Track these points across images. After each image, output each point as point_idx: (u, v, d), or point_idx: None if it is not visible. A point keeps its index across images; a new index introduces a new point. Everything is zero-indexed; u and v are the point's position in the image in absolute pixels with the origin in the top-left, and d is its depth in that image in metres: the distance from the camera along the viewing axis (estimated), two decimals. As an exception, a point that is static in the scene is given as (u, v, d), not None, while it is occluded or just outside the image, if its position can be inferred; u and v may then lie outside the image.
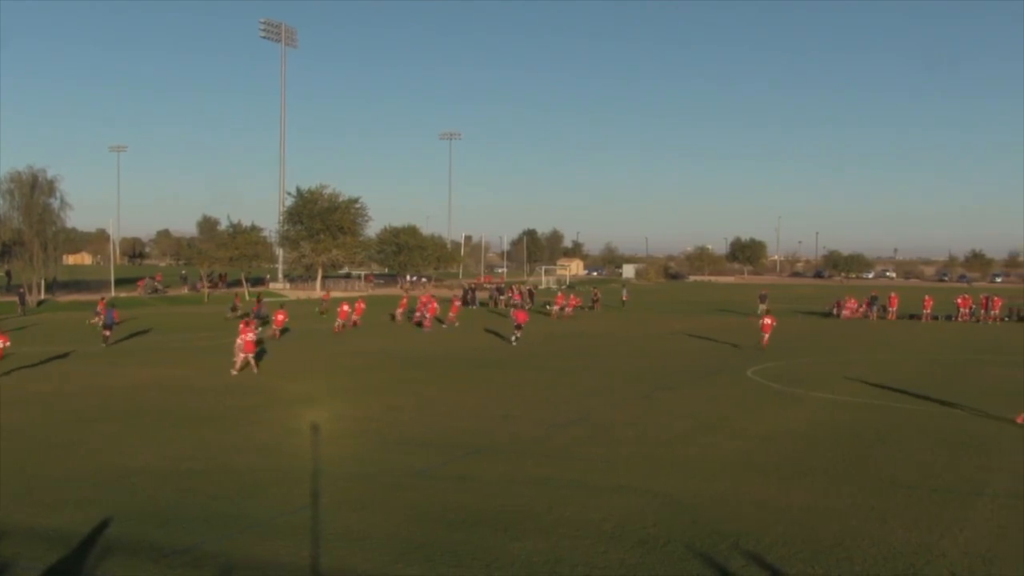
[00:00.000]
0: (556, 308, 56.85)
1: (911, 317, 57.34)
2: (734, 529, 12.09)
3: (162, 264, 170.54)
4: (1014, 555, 11.13)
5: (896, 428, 19.98)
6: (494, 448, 17.58)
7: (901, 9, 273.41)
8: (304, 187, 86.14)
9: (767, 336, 38.64)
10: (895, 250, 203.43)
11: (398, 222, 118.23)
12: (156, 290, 75.62)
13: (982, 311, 56.93)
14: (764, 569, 10.60)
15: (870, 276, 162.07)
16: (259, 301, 53.02)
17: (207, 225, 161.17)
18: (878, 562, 10.86)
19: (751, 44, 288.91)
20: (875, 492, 14.28)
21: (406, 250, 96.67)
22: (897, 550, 11.32)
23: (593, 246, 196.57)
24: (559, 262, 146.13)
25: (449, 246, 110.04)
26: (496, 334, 43.50)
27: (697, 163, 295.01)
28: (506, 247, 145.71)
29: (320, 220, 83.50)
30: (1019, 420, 20.88)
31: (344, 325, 45.34)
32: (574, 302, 58.63)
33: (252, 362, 28.63)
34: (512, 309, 45.01)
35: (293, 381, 26.98)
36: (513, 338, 39.32)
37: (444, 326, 47.48)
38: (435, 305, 49.27)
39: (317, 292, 75.76)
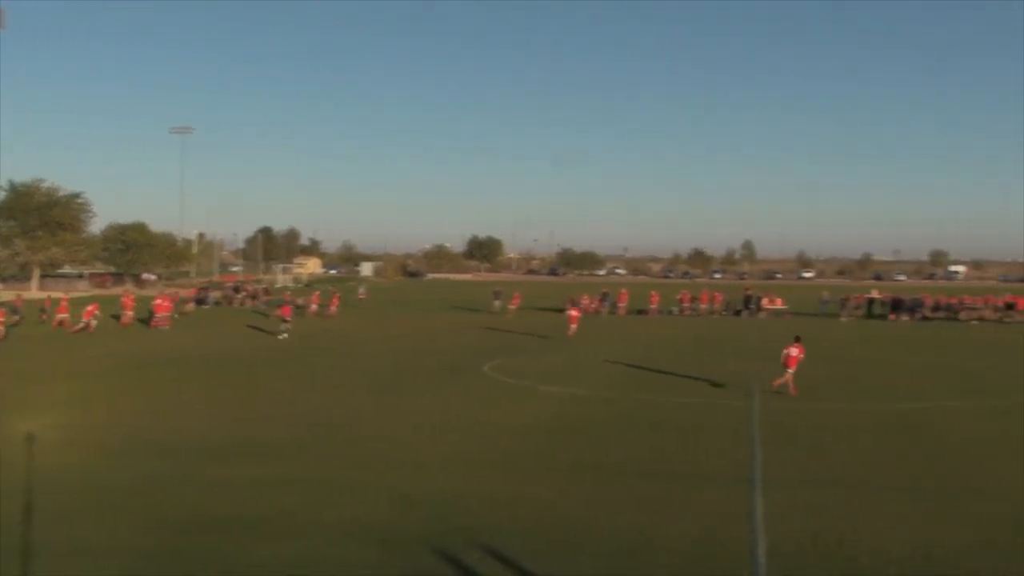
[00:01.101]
0: (314, 307, 56.47)
1: (639, 312, 60.37)
2: (471, 524, 12.22)
3: None
4: (734, 537, 11.86)
5: (627, 419, 20.93)
6: (231, 451, 17.05)
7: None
8: (18, 180, 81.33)
9: (574, 327, 41.95)
10: (625, 248, 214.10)
11: (126, 219, 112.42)
12: None
13: (702, 305, 60.98)
14: (500, 563, 10.75)
15: (602, 273, 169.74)
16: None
17: None
18: (609, 549, 11.27)
19: (460, 40, 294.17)
20: (606, 481, 14.87)
21: (134, 248, 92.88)
22: (625, 535, 11.80)
23: (331, 244, 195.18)
24: (296, 260, 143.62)
25: (180, 244, 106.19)
26: (258, 330, 42.08)
27: (434, 161, 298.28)
28: (241, 245, 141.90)
29: (37, 216, 78.82)
30: (774, 384, 24.56)
31: (84, 327, 42.51)
32: (316, 301, 57.90)
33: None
34: (280, 306, 45.46)
35: (20, 388, 24.93)
36: (281, 335, 40.76)
37: (162, 328, 45.35)
38: (170, 304, 48.19)
39: (34, 292, 70.49)
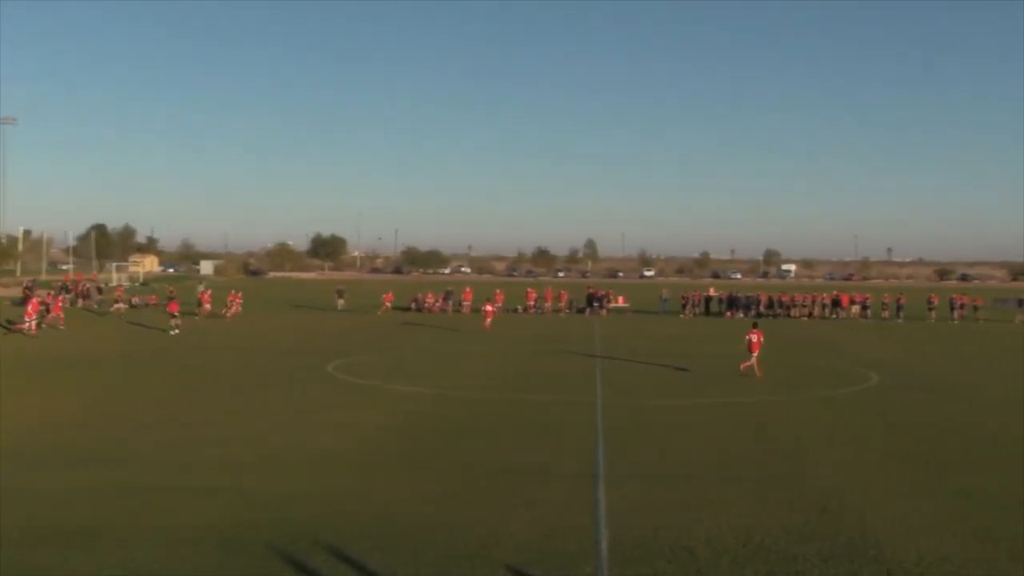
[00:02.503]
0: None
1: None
2: (315, 525, 12.11)
3: None
4: (577, 530, 12.13)
5: (475, 417, 21.11)
6: (61, 457, 16.34)
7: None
8: None
9: (488, 320, 46.90)
10: (470, 247, 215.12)
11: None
12: None
13: (547, 304, 61.90)
14: (344, 562, 10.71)
15: (446, 272, 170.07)
16: None
17: None
18: (455, 546, 11.38)
19: (299, 39, 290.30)
20: (455, 478, 14.97)
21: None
22: (473, 531, 11.92)
23: (169, 242, 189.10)
24: (132, 258, 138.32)
25: (4, 241, 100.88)
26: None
27: (277, 159, 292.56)
28: (72, 242, 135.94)
29: None
30: (742, 368, 28.29)
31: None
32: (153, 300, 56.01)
33: None
34: (170, 301, 46.74)
35: None
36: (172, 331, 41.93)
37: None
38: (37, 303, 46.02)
39: None
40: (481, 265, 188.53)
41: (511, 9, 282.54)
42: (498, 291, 62.11)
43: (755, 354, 28.64)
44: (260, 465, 15.82)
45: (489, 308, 48.89)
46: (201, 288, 61.48)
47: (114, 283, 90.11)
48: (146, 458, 16.34)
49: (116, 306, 54.60)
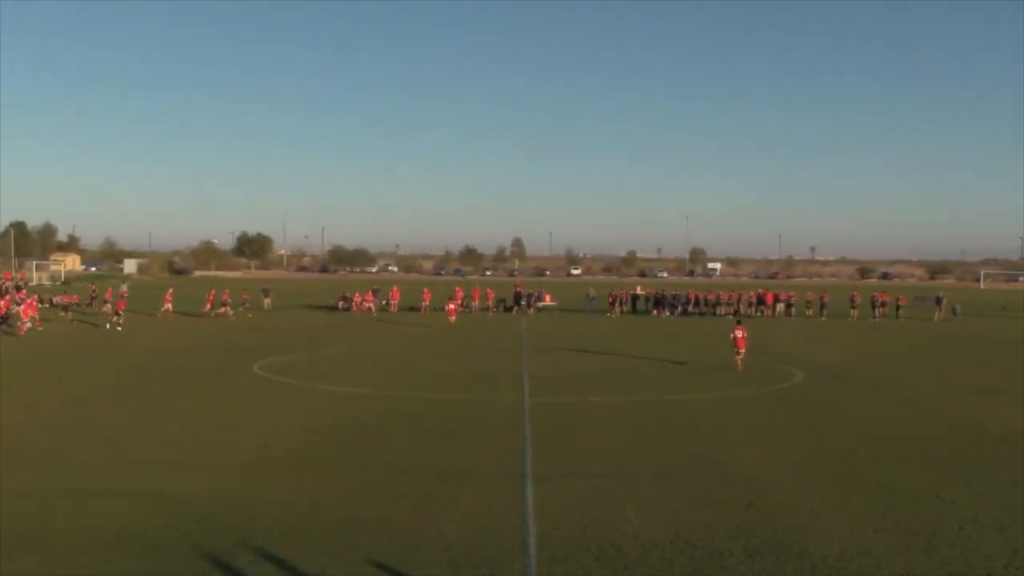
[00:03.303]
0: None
1: (411, 309, 60.60)
2: (241, 526, 12.01)
3: None
4: (503, 527, 12.19)
5: (403, 417, 21.05)
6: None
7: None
8: None
9: (453, 318, 49.91)
10: (397, 245, 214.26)
11: None
12: None
13: (474, 302, 61.92)
14: (271, 563, 10.64)
15: (373, 270, 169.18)
16: None
17: None
18: (383, 546, 11.34)
19: (217, 29, 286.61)
20: (383, 478, 14.94)
21: None
22: (401, 531, 11.92)
23: (91, 241, 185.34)
24: (52, 257, 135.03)
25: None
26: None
27: (201, 156, 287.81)
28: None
29: None
30: (739, 366, 29.90)
31: None
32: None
33: None
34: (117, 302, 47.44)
35: None
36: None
37: None
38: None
39: None
40: (409, 264, 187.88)
41: (433, 7, 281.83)
42: (458, 288, 62.35)
43: (743, 350, 30.38)
44: (184, 467, 15.60)
45: (452, 306, 52.51)
46: (123, 287, 60.20)
47: (34, 282, 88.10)
48: (67, 460, 16.00)
49: (61, 315, 52.56)
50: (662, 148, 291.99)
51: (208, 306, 54.16)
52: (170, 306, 53.17)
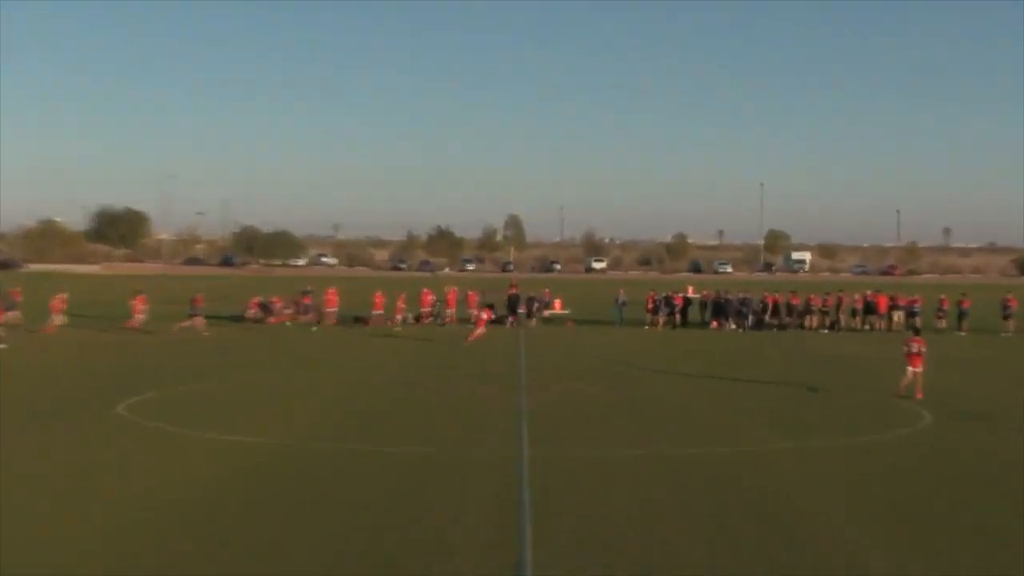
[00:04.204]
0: None
1: (357, 320, 60.22)
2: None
3: None
4: None
5: (326, 480, 20.80)
6: None
7: None
8: None
9: (481, 331, 50.65)
10: (336, 227, 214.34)
11: None
12: None
13: (449, 309, 61.65)
14: None
15: (301, 263, 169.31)
16: None
17: None
18: None
19: None
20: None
21: None
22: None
23: None
24: None
25: None
26: None
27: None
28: None
29: None
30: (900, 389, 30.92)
31: None
32: None
33: None
34: None
35: None
36: None
37: None
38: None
39: None
40: (354, 254, 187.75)
41: None
42: (471, 292, 62.28)
43: (919, 370, 31.85)
44: (17, 544, 15.59)
45: (483, 316, 53.51)
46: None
47: None
48: None
49: None
50: (723, 86, 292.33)
51: (54, 317, 54.05)
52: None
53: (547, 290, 68.70)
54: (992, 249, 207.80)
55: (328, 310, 60.58)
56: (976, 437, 26.44)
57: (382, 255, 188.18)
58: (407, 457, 23.12)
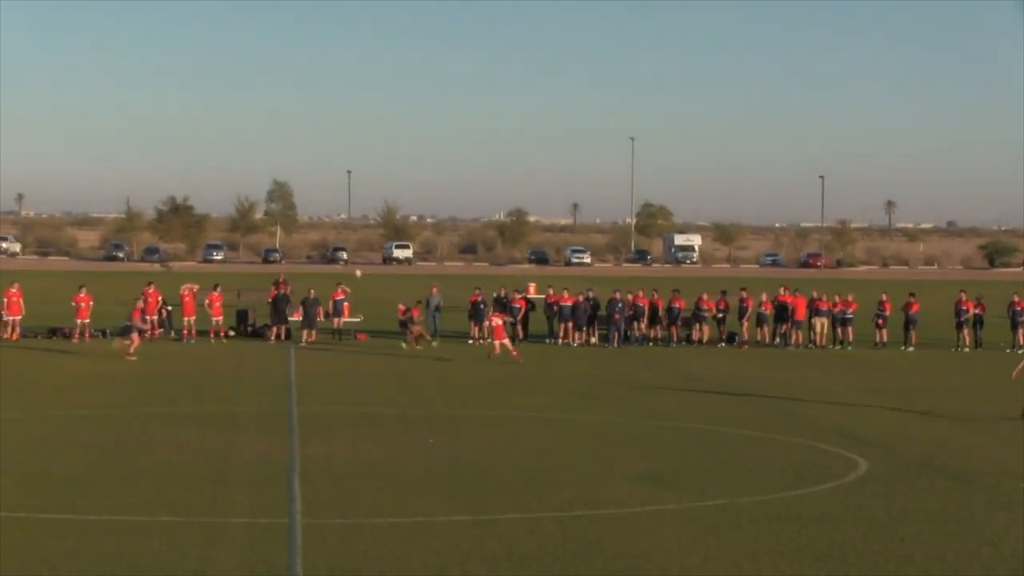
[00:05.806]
0: None
1: (53, 332, 59.79)
2: None
3: None
4: None
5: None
6: None
7: None
8: None
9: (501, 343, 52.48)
10: (20, 197, 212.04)
11: None
12: None
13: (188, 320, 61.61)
14: None
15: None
16: None
17: None
18: None
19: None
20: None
21: None
22: None
23: None
24: None
25: None
26: None
27: None
28: None
29: None
30: None
31: None
32: None
33: None
34: None
35: None
36: None
37: None
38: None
39: None
40: (47, 237, 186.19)
41: None
42: (214, 293, 61.92)
43: None
44: None
45: (498, 321, 54.73)
46: None
47: None
48: None
49: None
50: None
51: None
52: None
53: (343, 287, 67.79)
54: (950, 231, 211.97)
55: (7, 318, 59.75)
56: (918, 496, 26.79)
57: (90, 238, 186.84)
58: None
